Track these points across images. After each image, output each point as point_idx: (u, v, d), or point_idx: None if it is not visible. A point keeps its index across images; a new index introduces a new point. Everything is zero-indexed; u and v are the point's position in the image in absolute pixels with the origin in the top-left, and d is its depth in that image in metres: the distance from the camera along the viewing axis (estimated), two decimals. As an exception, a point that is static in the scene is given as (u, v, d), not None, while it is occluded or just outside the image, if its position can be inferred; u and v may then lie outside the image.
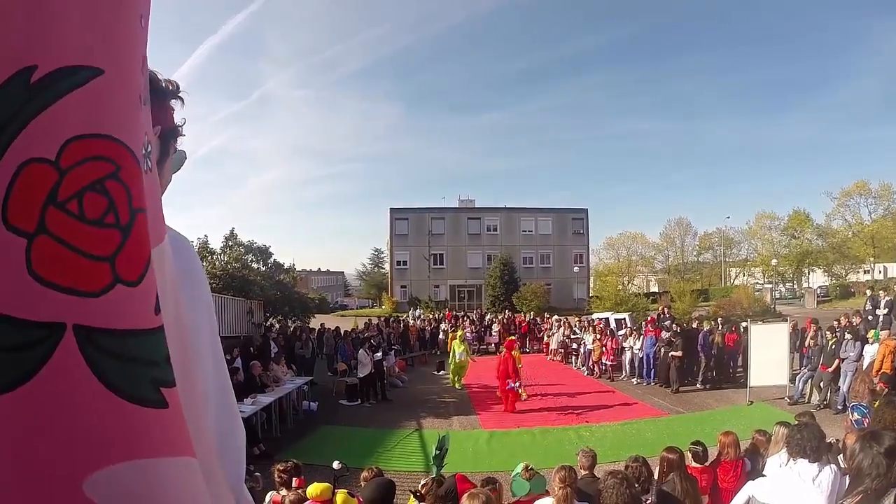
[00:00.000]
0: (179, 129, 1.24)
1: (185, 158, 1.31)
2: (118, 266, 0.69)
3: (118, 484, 0.67)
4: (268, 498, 5.16)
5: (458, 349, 16.79)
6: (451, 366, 17.17)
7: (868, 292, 17.15)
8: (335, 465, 6.00)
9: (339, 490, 4.70)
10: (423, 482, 5.21)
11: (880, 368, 11.32)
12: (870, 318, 15.51)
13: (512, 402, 13.64)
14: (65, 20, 0.68)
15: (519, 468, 5.18)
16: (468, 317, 29.11)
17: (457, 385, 16.75)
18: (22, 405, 0.63)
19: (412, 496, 5.01)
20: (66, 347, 0.65)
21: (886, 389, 9.65)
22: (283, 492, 5.09)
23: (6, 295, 0.63)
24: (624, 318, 22.76)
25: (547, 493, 4.80)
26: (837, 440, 5.51)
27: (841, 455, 4.79)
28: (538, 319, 28.31)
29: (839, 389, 12.49)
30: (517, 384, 13.76)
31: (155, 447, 0.70)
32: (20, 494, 0.63)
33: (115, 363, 0.68)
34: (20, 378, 0.63)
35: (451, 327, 26.40)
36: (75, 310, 0.66)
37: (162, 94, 1.15)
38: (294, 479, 5.14)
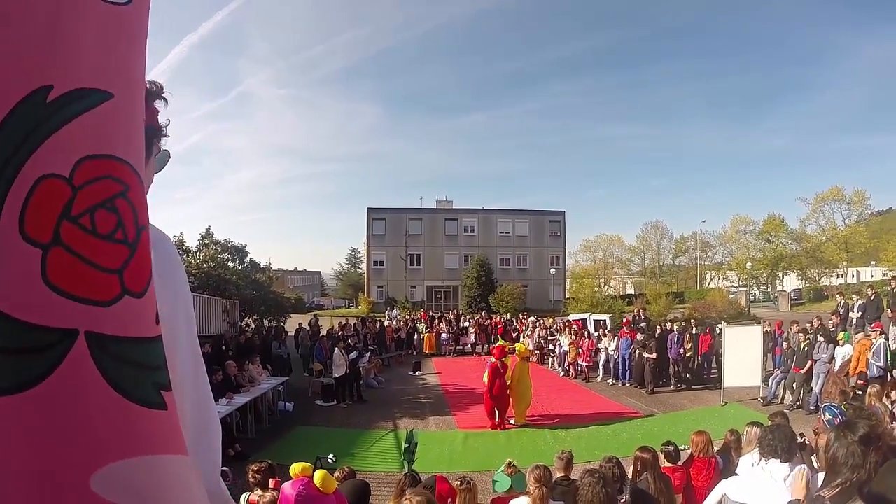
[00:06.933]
0: (163, 129, 1.25)
1: (169, 158, 1.32)
2: (126, 278, 0.75)
3: (123, 479, 0.72)
4: (243, 499, 5.09)
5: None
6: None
7: (838, 297, 17.38)
8: (330, 458, 5.90)
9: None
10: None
11: (857, 366, 11.54)
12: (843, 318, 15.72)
13: (502, 417, 12.14)
14: (80, 43, 0.75)
15: (504, 465, 5.21)
16: (444, 317, 29.03)
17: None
18: (33, 405, 0.68)
19: None
20: (79, 352, 0.70)
21: (859, 391, 9.85)
22: (259, 492, 5.03)
23: (20, 300, 0.68)
24: (604, 320, 22.89)
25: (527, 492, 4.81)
26: (811, 437, 5.59)
27: (814, 455, 4.86)
28: (514, 320, 28.38)
29: (812, 390, 12.72)
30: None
31: (156, 445, 0.77)
32: (30, 490, 0.68)
33: (122, 368, 0.74)
34: (31, 380, 0.68)
35: (427, 327, 26.38)
36: (87, 317, 0.71)
37: (146, 95, 1.13)
38: (270, 480, 5.08)
